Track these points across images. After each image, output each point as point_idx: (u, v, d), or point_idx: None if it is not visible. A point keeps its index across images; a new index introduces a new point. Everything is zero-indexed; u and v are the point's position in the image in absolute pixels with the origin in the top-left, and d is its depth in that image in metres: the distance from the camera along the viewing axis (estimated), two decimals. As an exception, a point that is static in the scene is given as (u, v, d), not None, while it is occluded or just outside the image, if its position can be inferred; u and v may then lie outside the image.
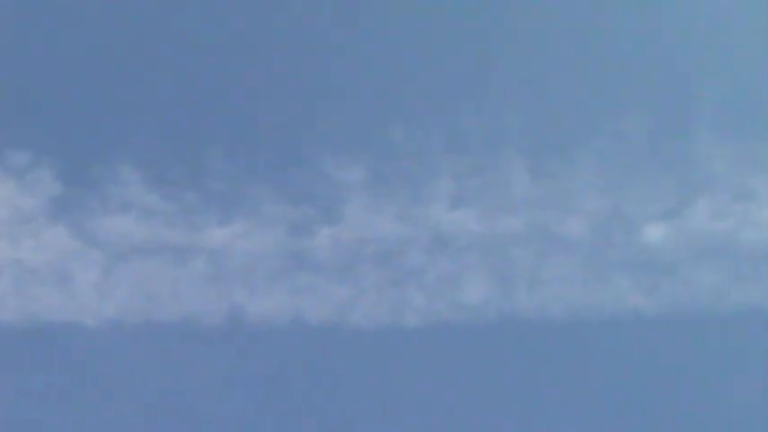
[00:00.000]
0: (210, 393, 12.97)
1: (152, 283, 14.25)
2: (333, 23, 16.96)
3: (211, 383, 12.55)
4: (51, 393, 13.95)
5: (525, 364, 15.70)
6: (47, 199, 14.42)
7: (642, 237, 16.60)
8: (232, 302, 13.96)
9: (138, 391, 13.75)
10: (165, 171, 14.39)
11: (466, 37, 19.09)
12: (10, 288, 13.90)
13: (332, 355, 13.45)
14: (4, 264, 12.96)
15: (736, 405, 15.70)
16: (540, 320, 14.96)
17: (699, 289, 16.05)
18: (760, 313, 15.67)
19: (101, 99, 16.66)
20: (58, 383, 13.90)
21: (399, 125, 15.79)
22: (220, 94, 14.47)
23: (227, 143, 14.39)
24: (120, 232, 14.50)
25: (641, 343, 15.76)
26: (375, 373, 13.92)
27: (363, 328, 13.71)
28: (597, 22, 19.15)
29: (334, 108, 15.92)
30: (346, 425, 13.52)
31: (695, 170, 16.81)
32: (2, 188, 13.50)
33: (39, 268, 13.76)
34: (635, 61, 19.05)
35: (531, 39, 19.38)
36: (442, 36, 18.16)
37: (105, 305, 14.80)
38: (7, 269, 13.10)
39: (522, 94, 18.48)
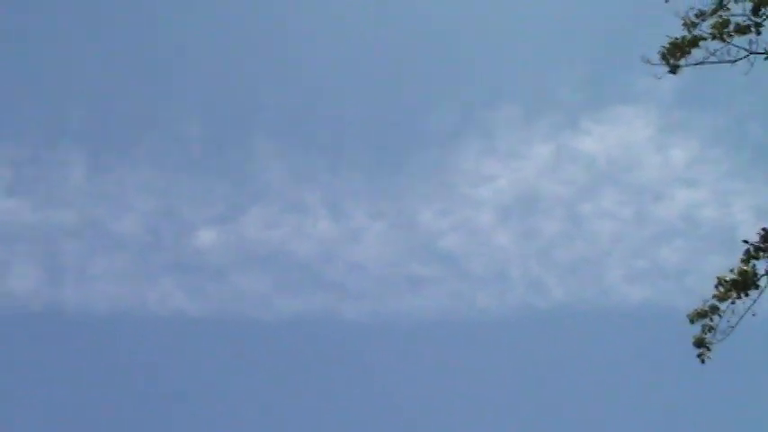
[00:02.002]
0: None
1: None
2: None
3: None
4: None
5: (70, 354, 15.52)
6: None
7: (193, 240, 16.77)
8: None
9: None
10: None
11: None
12: None
13: None
14: None
15: (311, 406, 16.46)
16: (84, 314, 14.91)
17: (245, 295, 16.37)
18: (302, 322, 16.16)
19: None
20: None
21: None
22: None
23: None
24: None
25: (183, 342, 16.00)
26: None
27: None
28: (157, 26, 19.26)
29: None
30: None
31: (250, 179, 17.08)
32: None
33: None
34: (198, 66, 19.18)
35: (94, 34, 19.14)
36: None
37: None
38: None
39: (84, 87, 18.36)
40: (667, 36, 7.09)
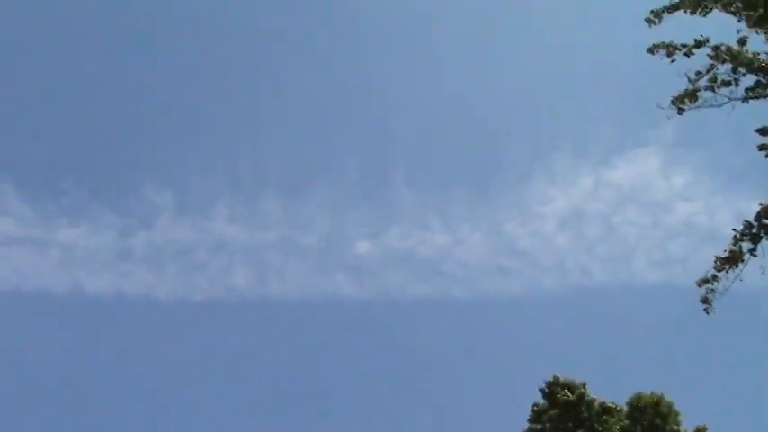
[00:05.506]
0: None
1: (22, 263, 19.96)
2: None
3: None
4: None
5: (273, 332, 20.95)
6: None
7: (355, 248, 22.42)
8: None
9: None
10: (34, 190, 19.92)
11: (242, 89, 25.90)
12: None
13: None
14: None
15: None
16: (283, 302, 20.11)
17: (390, 285, 21.99)
18: (428, 302, 20.90)
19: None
20: None
21: (197, 170, 21.36)
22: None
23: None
24: (0, 229, 20.91)
25: (346, 322, 21.53)
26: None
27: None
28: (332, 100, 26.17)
29: (155, 147, 22.04)
30: None
31: (390, 204, 22.96)
32: None
33: None
34: (352, 124, 25.84)
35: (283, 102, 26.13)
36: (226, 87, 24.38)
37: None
38: None
39: (276, 141, 24.56)
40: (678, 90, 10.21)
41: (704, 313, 10.19)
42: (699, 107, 10.17)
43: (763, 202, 10.14)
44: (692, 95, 10.17)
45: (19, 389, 22.83)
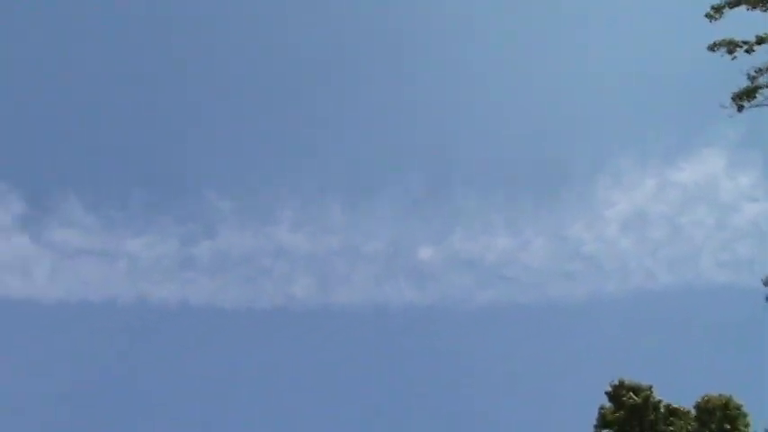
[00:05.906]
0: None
1: (88, 274, 19.70)
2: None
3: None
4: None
5: (337, 341, 21.15)
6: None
7: (418, 254, 22.35)
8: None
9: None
10: (98, 200, 19.83)
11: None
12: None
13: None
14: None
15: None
16: (346, 310, 20.18)
17: (452, 289, 21.87)
18: (493, 307, 20.38)
19: (58, 154, 22.56)
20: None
21: (260, 178, 21.27)
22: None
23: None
24: (67, 240, 20.60)
25: (414, 327, 21.33)
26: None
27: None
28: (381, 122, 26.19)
29: (217, 155, 22.23)
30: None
31: (453, 209, 22.91)
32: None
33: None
34: (415, 130, 25.67)
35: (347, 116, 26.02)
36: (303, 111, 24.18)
37: (54, 289, 20.78)
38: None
39: (342, 152, 24.45)
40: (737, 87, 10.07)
41: (771, 312, 10.07)
42: (759, 105, 10.03)
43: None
44: (751, 93, 10.03)
45: (88, 398, 23.07)
